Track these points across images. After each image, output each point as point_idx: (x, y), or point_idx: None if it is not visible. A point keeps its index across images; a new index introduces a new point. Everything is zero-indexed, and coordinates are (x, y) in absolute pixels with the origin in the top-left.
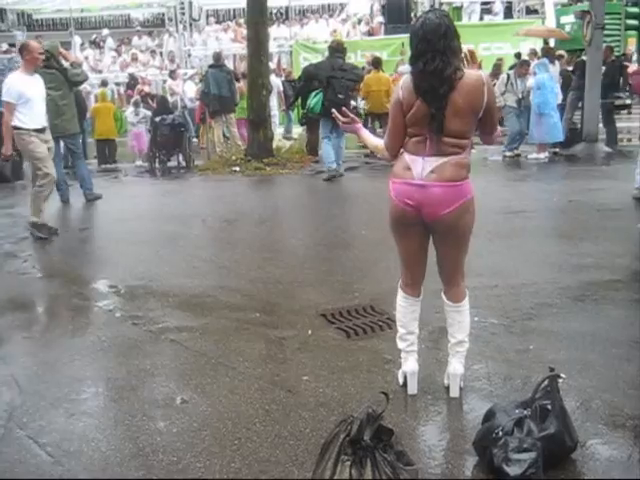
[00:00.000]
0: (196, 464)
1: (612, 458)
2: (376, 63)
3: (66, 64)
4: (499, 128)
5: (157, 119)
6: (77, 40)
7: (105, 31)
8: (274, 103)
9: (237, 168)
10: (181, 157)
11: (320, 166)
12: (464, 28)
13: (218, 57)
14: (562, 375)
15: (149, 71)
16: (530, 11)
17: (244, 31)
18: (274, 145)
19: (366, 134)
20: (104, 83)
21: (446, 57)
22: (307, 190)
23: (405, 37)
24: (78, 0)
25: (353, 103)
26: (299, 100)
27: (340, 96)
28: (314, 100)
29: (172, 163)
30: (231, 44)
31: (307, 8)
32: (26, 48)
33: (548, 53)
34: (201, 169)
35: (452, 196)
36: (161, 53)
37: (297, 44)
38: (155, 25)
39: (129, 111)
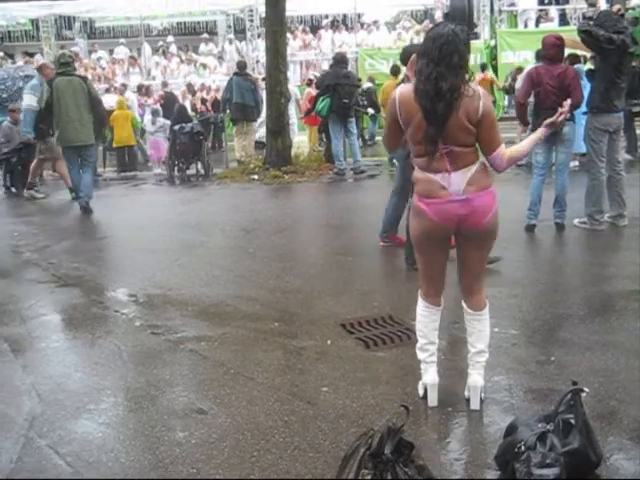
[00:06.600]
0: (215, 476)
1: (638, 474)
2: (394, 71)
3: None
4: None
5: (176, 127)
6: (147, 47)
7: (170, 38)
8: (292, 111)
9: (255, 176)
10: (200, 165)
11: (340, 176)
12: (521, 35)
13: (242, 66)
14: (585, 389)
15: (216, 77)
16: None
17: (307, 38)
18: (292, 153)
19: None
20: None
21: (457, 81)
22: (325, 198)
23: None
24: (148, 7)
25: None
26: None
27: (345, 100)
28: (321, 104)
29: (191, 171)
30: (297, 51)
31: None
32: None
33: (575, 61)
34: (220, 177)
35: (490, 203)
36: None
37: (362, 51)
38: (215, 33)
39: (147, 120)
